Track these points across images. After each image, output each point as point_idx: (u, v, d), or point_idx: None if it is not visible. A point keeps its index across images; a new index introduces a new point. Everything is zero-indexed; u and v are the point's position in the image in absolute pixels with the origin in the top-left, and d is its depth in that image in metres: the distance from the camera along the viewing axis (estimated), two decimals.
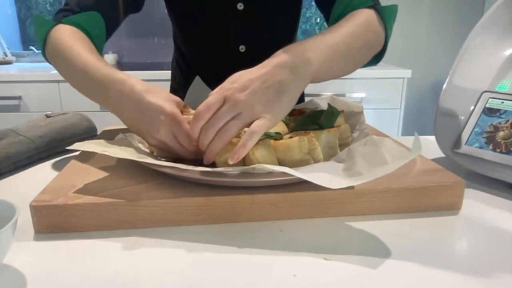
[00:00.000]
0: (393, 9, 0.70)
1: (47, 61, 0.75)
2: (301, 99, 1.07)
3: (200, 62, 0.95)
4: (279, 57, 0.54)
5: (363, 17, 0.66)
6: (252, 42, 0.90)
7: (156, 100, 0.55)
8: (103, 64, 0.62)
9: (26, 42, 2.53)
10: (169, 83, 1.12)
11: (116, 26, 0.80)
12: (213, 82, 0.75)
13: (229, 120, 0.50)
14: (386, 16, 0.69)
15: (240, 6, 0.85)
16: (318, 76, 0.57)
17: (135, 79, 0.58)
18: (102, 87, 0.59)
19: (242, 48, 0.91)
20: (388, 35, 0.70)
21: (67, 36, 0.68)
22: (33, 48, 2.40)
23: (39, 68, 2.03)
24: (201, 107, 0.51)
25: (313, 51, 0.56)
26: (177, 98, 0.58)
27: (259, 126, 0.50)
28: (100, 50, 0.75)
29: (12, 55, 2.29)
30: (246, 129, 0.51)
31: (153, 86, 0.58)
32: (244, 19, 0.87)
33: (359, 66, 0.68)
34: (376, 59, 0.72)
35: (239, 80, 0.52)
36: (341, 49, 0.60)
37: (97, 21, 0.74)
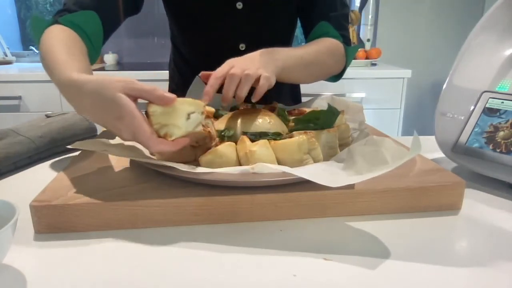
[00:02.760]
0: (355, 49, 0.91)
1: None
2: (299, 99, 1.08)
3: (200, 61, 0.95)
4: (259, 51, 0.71)
5: (332, 45, 0.84)
6: (252, 41, 0.91)
7: (111, 96, 0.48)
8: (69, 66, 0.57)
9: (26, 42, 2.53)
10: (168, 83, 1.12)
11: (114, 27, 0.80)
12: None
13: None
14: (349, 54, 0.88)
15: (239, 5, 0.86)
16: (280, 76, 0.70)
17: (85, 77, 0.51)
18: (63, 90, 0.55)
19: (242, 47, 0.91)
20: (346, 66, 0.90)
21: (53, 36, 0.66)
22: (33, 48, 2.40)
23: (39, 68, 2.02)
24: (215, 72, 0.63)
25: (281, 57, 0.72)
26: (129, 82, 0.50)
27: (266, 76, 0.63)
28: (98, 47, 0.75)
29: (12, 55, 2.29)
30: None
31: (100, 79, 0.50)
32: (243, 18, 0.87)
33: (315, 80, 0.85)
34: (334, 78, 0.92)
35: (236, 59, 0.67)
36: (303, 62, 0.76)
37: (92, 19, 0.73)
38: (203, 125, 0.55)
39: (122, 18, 0.81)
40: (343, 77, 0.93)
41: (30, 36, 2.54)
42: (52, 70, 0.58)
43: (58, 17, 0.71)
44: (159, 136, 0.50)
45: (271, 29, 0.92)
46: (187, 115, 0.51)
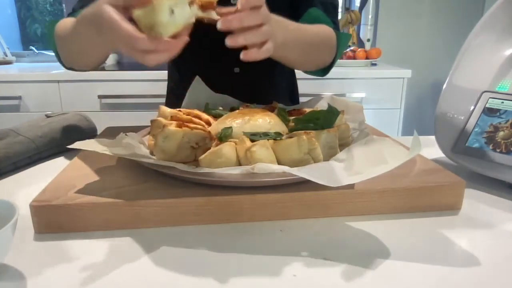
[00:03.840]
0: (347, 37, 0.85)
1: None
2: (297, 99, 1.07)
3: (199, 62, 0.95)
4: (274, 17, 0.59)
5: (326, 31, 0.78)
6: (246, 64, 0.90)
7: (98, 11, 0.49)
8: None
9: (26, 42, 2.53)
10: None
11: None
12: (216, 85, 0.79)
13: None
14: (341, 42, 0.82)
15: (234, 1, 0.85)
16: (275, 52, 0.59)
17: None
18: (88, 26, 0.56)
19: (236, 70, 0.92)
20: (337, 57, 0.83)
21: (63, 21, 0.70)
22: (33, 48, 2.40)
23: (39, 68, 2.02)
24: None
25: (282, 31, 0.62)
26: None
27: (270, 46, 0.54)
28: None
29: (12, 55, 2.29)
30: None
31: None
32: None
33: (306, 67, 0.82)
34: (323, 72, 0.85)
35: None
36: (302, 43, 0.70)
37: None
38: (201, 19, 0.50)
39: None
40: (343, 77, 0.93)
41: (30, 36, 2.54)
42: (71, 33, 0.61)
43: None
44: None
45: None
46: (169, 9, 0.46)
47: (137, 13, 0.46)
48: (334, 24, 0.82)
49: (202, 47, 0.91)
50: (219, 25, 0.49)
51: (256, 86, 0.96)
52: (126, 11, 0.48)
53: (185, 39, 0.47)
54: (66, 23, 0.68)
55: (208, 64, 0.93)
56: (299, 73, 1.09)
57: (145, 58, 0.47)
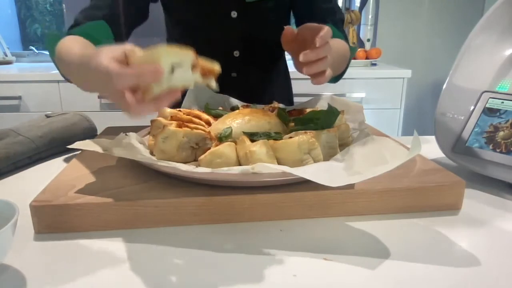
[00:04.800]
0: (355, 50, 0.94)
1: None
2: (291, 102, 1.09)
3: None
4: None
5: (345, 48, 0.84)
6: (245, 48, 0.93)
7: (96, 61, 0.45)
8: (85, 50, 0.57)
9: (26, 42, 2.53)
10: None
11: (124, 38, 0.81)
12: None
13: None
14: (351, 55, 0.88)
15: (234, 14, 0.87)
16: None
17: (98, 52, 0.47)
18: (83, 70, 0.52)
19: (236, 53, 0.93)
20: (347, 68, 0.90)
21: (66, 41, 0.65)
22: (33, 48, 2.40)
23: (39, 68, 2.02)
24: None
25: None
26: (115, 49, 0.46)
27: (330, 71, 0.61)
28: None
29: (12, 55, 2.28)
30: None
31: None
32: (238, 26, 0.89)
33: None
34: (335, 79, 0.90)
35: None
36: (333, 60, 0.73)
37: (103, 29, 0.75)
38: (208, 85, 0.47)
39: (131, 28, 0.83)
40: (343, 77, 0.95)
41: (30, 36, 2.54)
42: (69, 65, 0.59)
43: (70, 30, 0.72)
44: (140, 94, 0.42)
45: (264, 35, 0.94)
46: (170, 65, 0.42)
47: (133, 60, 0.43)
48: (346, 39, 0.89)
49: (204, 53, 0.92)
50: (301, 58, 0.57)
51: (253, 89, 0.98)
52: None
53: (174, 97, 0.43)
54: (68, 48, 0.62)
55: None
56: (298, 74, 1.09)
57: (129, 107, 0.42)
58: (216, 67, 0.48)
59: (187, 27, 0.92)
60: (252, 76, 0.97)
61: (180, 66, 0.43)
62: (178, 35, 0.95)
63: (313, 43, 0.57)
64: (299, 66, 0.62)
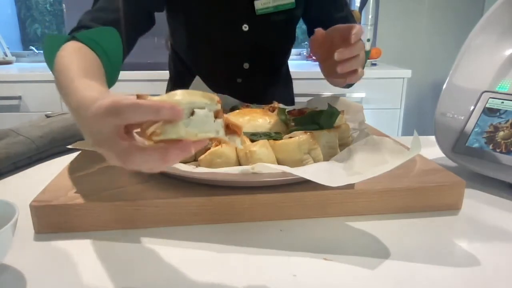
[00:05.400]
0: (368, 53, 0.95)
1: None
2: (292, 102, 1.10)
3: (204, 75, 0.97)
4: None
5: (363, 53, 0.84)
6: (255, 60, 0.94)
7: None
8: (81, 88, 0.44)
9: (26, 42, 2.53)
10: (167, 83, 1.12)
11: (133, 44, 0.76)
12: (215, 90, 0.80)
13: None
14: (366, 59, 0.85)
15: (245, 27, 0.88)
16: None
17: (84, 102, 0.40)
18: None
19: (246, 65, 0.94)
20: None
21: (67, 55, 0.57)
22: (33, 48, 2.40)
23: (39, 68, 2.02)
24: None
25: None
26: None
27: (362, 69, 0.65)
28: (117, 66, 0.68)
29: (12, 55, 2.28)
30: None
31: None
32: (248, 39, 0.89)
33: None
34: (350, 84, 0.89)
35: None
36: None
37: (112, 35, 0.68)
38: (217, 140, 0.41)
39: (140, 33, 0.78)
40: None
41: (30, 36, 2.54)
42: (64, 96, 0.48)
43: (75, 33, 0.64)
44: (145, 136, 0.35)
45: (273, 47, 0.96)
46: (188, 109, 0.34)
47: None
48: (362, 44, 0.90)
49: (213, 63, 0.93)
50: (336, 57, 0.58)
51: (257, 92, 0.99)
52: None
53: (187, 151, 0.34)
54: (65, 66, 0.53)
55: (216, 75, 0.96)
56: (299, 74, 1.10)
57: (127, 154, 0.34)
58: (241, 130, 0.40)
59: (197, 38, 0.91)
60: (257, 81, 0.98)
61: (202, 111, 0.35)
62: (185, 45, 0.94)
63: (342, 44, 0.58)
64: (330, 68, 0.63)
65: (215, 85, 0.82)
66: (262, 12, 0.85)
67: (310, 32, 0.97)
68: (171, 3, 0.85)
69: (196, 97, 0.35)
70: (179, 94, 0.35)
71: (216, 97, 0.36)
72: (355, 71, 0.62)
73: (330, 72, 0.68)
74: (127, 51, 0.73)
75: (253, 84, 0.97)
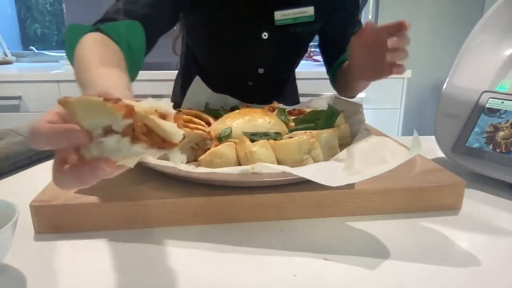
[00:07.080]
0: None
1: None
2: (297, 101, 1.10)
3: (217, 77, 0.97)
4: None
5: None
6: (270, 66, 0.95)
7: None
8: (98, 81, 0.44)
9: (26, 42, 2.53)
10: (170, 83, 1.12)
11: (155, 41, 0.73)
12: (228, 92, 0.82)
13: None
14: None
15: (265, 36, 0.88)
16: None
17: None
18: None
19: (261, 71, 0.95)
20: None
21: (88, 48, 0.55)
22: (33, 48, 2.40)
23: (39, 68, 2.02)
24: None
25: None
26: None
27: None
28: (139, 62, 0.66)
29: (12, 55, 2.28)
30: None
31: None
32: (266, 47, 0.90)
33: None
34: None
35: None
36: None
37: (137, 30, 0.66)
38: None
39: (163, 33, 0.76)
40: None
41: (30, 36, 2.54)
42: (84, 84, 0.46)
43: (99, 24, 0.62)
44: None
45: (289, 55, 0.96)
46: (99, 128, 0.30)
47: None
48: None
49: (229, 68, 0.94)
50: (389, 44, 0.59)
51: (266, 94, 0.99)
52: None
53: (110, 170, 0.33)
54: (84, 59, 0.51)
55: (229, 77, 0.97)
56: (299, 74, 1.10)
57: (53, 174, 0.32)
58: (176, 137, 0.33)
59: (216, 41, 0.91)
60: (268, 84, 0.99)
61: (111, 138, 0.30)
62: (202, 46, 0.95)
63: (388, 42, 0.59)
64: (370, 64, 0.65)
65: (224, 85, 0.82)
66: (281, 23, 0.86)
67: (323, 43, 0.97)
68: (196, 4, 0.85)
69: (96, 113, 0.29)
70: (79, 113, 0.30)
71: (120, 111, 0.29)
72: (400, 64, 0.62)
73: (368, 68, 0.68)
74: (150, 48, 0.71)
75: (263, 87, 0.99)
